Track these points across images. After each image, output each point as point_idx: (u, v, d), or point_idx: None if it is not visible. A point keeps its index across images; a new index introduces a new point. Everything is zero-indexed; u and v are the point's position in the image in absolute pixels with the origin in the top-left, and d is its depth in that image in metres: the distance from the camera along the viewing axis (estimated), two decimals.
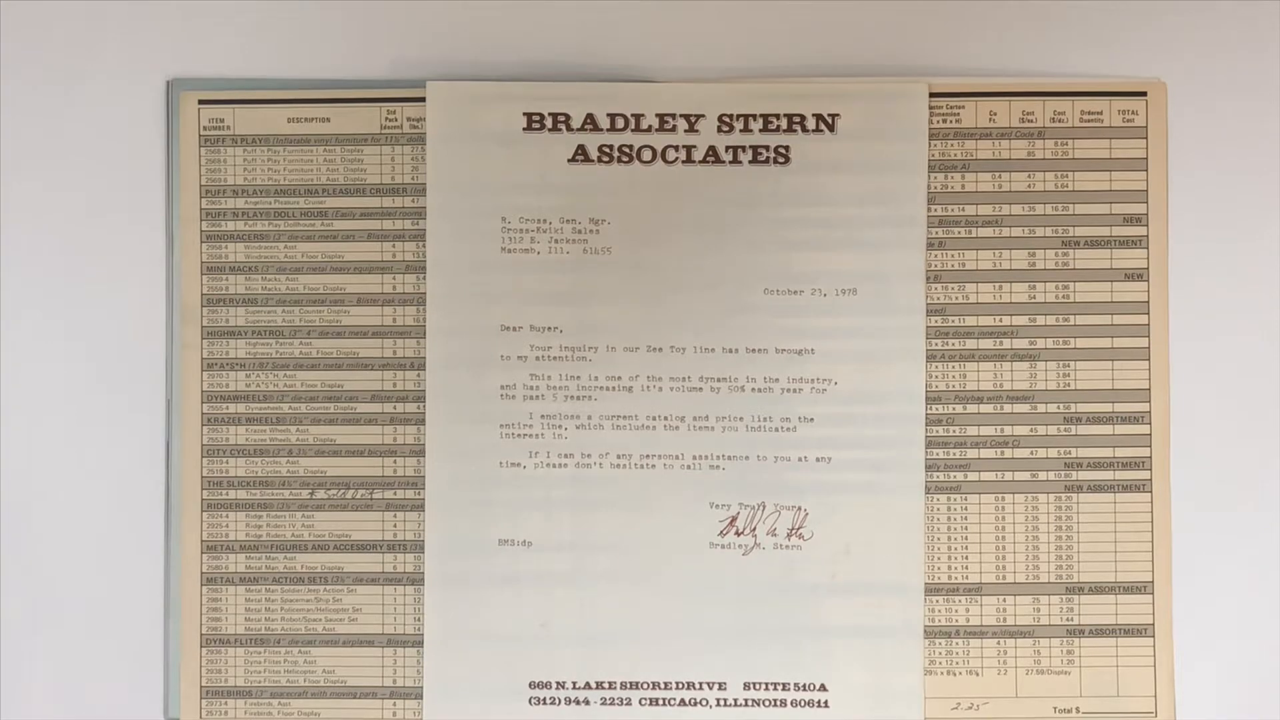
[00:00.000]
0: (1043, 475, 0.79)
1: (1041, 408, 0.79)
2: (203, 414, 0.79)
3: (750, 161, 0.79)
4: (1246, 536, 0.79)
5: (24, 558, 0.80)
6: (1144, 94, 0.79)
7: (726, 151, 0.79)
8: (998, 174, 0.79)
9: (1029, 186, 0.79)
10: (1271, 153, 0.79)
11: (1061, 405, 0.79)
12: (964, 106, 0.79)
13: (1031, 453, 0.79)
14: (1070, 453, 0.79)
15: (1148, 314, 0.79)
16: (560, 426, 0.79)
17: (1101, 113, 0.79)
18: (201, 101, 0.79)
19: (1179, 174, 0.79)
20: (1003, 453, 0.79)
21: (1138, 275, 0.79)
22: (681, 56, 0.80)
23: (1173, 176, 0.79)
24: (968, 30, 0.80)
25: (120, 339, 0.80)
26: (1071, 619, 0.78)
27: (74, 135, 0.80)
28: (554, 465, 0.79)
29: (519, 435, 0.79)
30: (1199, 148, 0.79)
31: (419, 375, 0.79)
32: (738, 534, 0.79)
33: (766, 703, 0.78)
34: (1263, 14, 0.80)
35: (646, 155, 0.79)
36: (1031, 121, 0.79)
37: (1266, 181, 0.79)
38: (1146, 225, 0.79)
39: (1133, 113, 0.79)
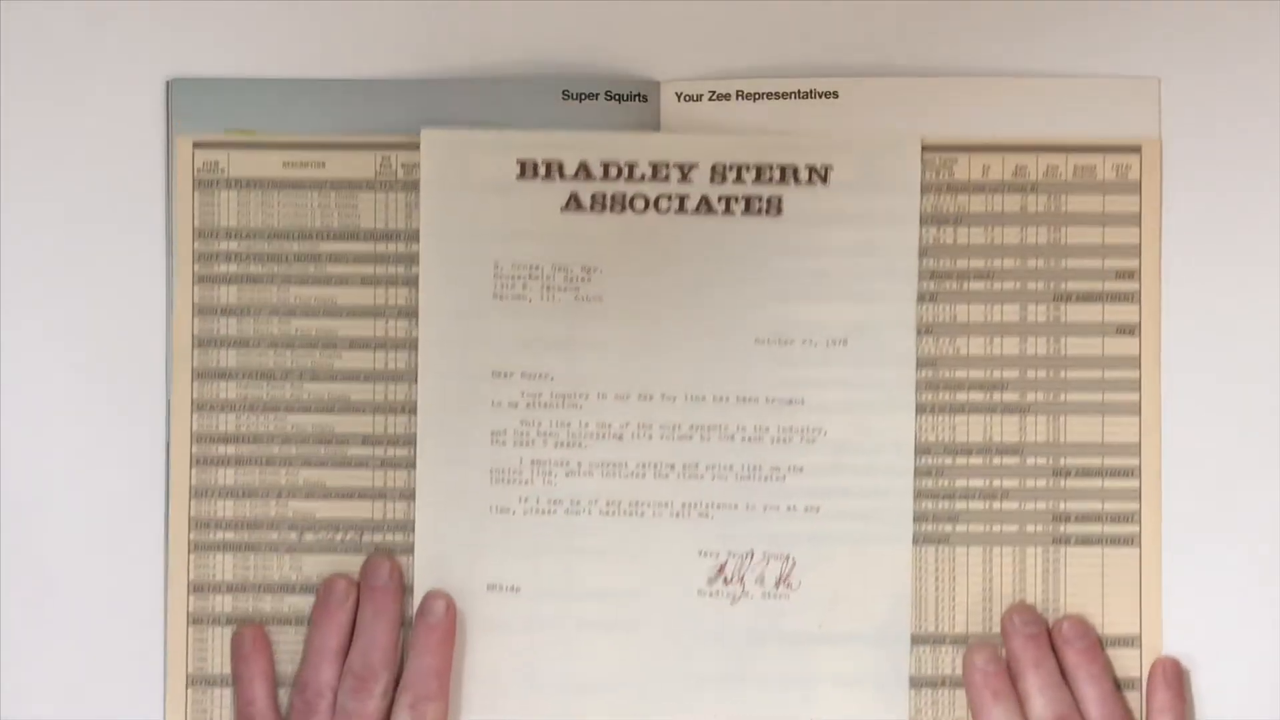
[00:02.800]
0: (1031, 528, 0.79)
1: (1031, 461, 0.79)
2: (192, 455, 0.80)
3: (743, 212, 0.79)
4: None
5: (24, 559, 0.79)
6: (1138, 149, 0.79)
7: (719, 201, 0.79)
8: (990, 227, 0.79)
9: (1021, 240, 0.79)
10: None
11: (1051, 458, 0.79)
12: (957, 160, 0.79)
13: (1020, 505, 0.79)
14: (1059, 506, 0.79)
15: (1139, 369, 0.79)
16: (550, 473, 0.79)
17: (1095, 168, 0.79)
18: (197, 144, 0.80)
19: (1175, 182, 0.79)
20: (991, 505, 0.79)
21: (1129, 330, 0.79)
22: (685, 53, 0.80)
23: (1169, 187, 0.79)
24: (968, 28, 0.80)
25: (120, 339, 0.80)
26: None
27: (73, 135, 0.80)
28: (543, 511, 0.79)
29: (509, 481, 0.79)
30: (1196, 154, 0.79)
31: (410, 419, 0.80)
32: (726, 582, 0.79)
33: None
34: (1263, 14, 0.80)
35: (639, 204, 0.79)
36: (1025, 176, 0.79)
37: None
38: (1139, 280, 0.79)
39: (1126, 167, 0.79)
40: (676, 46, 0.81)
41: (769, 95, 0.80)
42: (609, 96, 0.80)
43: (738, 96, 0.80)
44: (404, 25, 0.81)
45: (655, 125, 0.80)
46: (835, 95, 0.80)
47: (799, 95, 0.80)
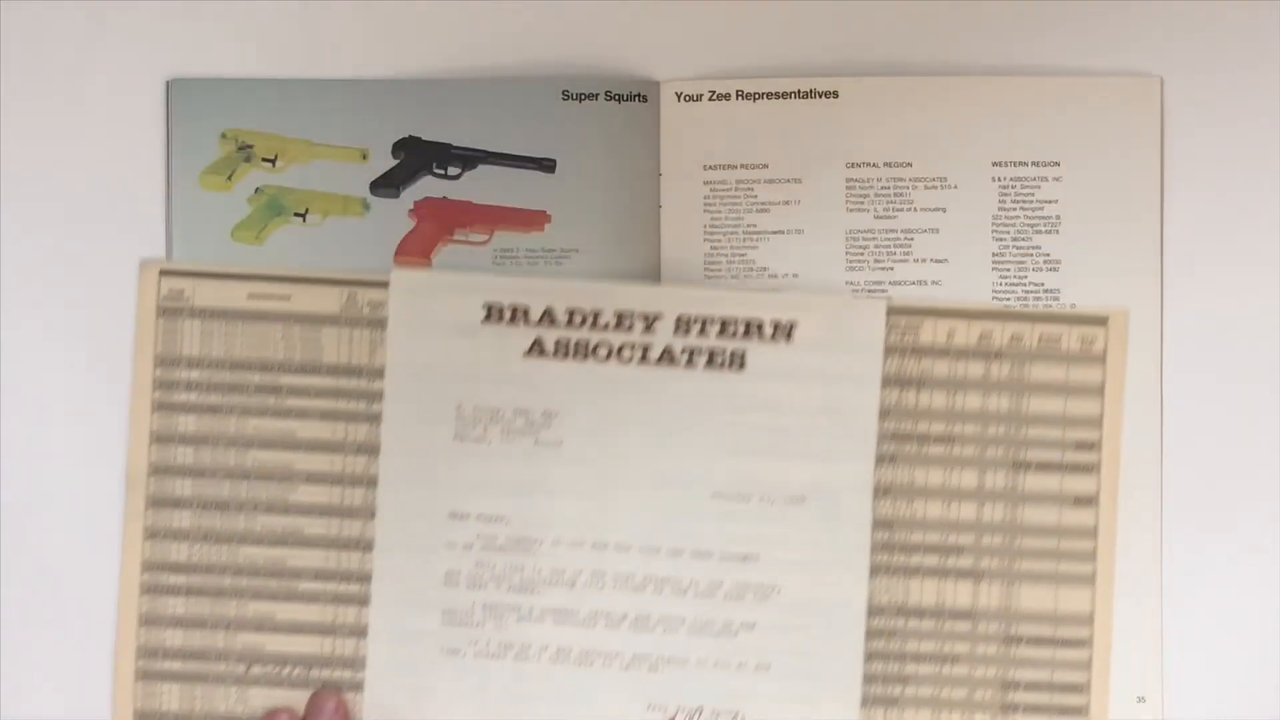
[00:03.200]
0: (979, 694, 0.79)
1: (982, 627, 0.79)
2: (141, 583, 0.79)
3: (706, 365, 0.79)
4: None
5: (24, 559, 0.79)
6: (1104, 321, 0.79)
7: (682, 353, 0.79)
8: (952, 392, 0.79)
9: (983, 407, 0.79)
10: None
11: (1002, 625, 0.79)
12: (922, 324, 0.79)
13: (969, 671, 0.79)
14: (1008, 674, 0.79)
15: (1095, 540, 0.79)
16: (502, 617, 0.79)
17: (1060, 338, 0.79)
18: (163, 272, 0.79)
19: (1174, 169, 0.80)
20: (941, 669, 0.79)
21: (1087, 501, 0.79)
22: (685, 53, 0.80)
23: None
24: (969, 28, 0.80)
25: (120, 338, 0.80)
26: None
27: (74, 135, 0.80)
28: (493, 655, 0.79)
29: (460, 624, 0.79)
30: (1196, 152, 0.80)
31: (364, 556, 0.79)
32: None
33: None
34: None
35: (602, 352, 0.79)
36: (989, 342, 0.79)
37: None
38: (1099, 452, 0.79)
39: (1092, 339, 0.79)
40: (676, 47, 0.81)
41: (769, 95, 0.81)
42: (609, 96, 0.81)
43: (738, 96, 0.81)
44: (404, 26, 0.81)
45: (655, 125, 0.81)
46: (835, 95, 0.80)
47: (799, 95, 0.81)
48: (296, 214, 0.81)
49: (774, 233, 0.81)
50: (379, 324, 0.79)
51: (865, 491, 0.78)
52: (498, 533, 0.79)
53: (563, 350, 0.79)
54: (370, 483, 0.79)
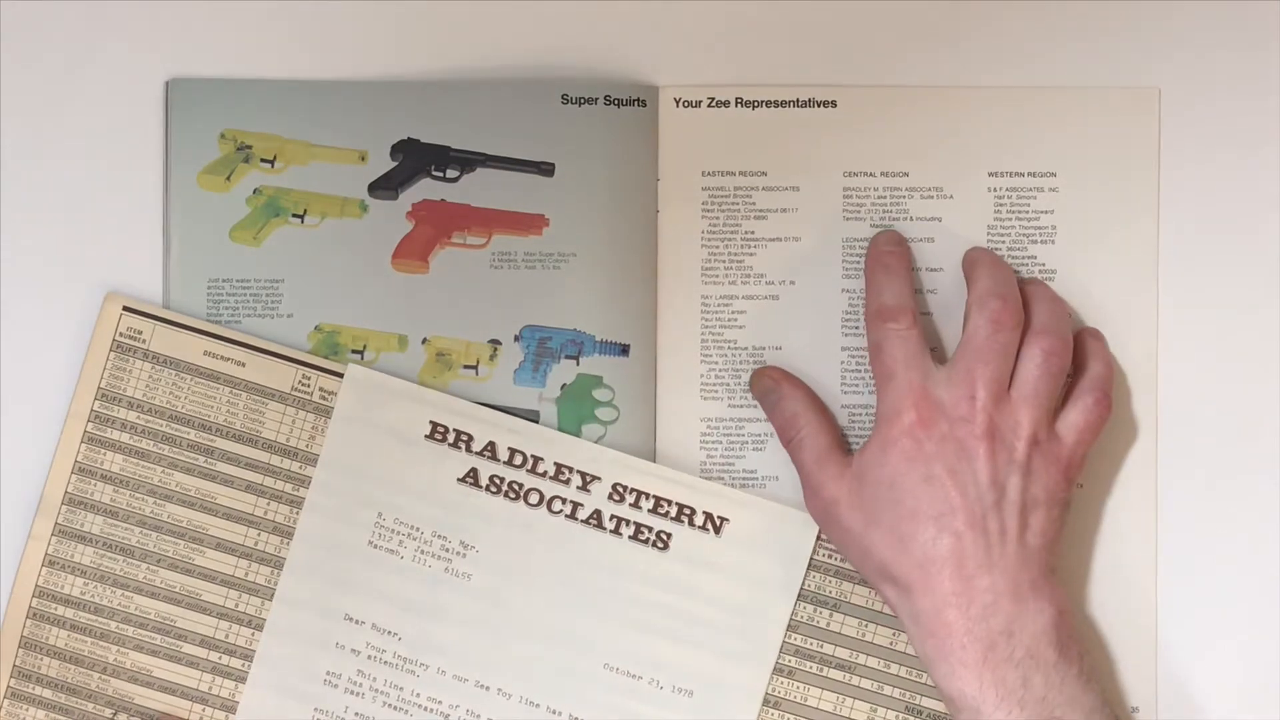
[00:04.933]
0: None
1: None
2: (30, 607, 0.79)
3: (630, 537, 0.79)
4: None
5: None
6: None
7: (610, 520, 0.79)
8: (864, 622, 0.79)
9: (891, 644, 0.79)
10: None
11: None
12: None
13: None
14: None
15: None
16: None
17: None
18: (126, 309, 0.79)
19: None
20: None
21: None
22: (685, 59, 0.80)
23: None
24: (968, 38, 0.80)
25: None
26: None
27: (73, 134, 0.80)
28: None
29: None
30: (1194, 162, 0.80)
31: (253, 634, 0.79)
32: None
33: None
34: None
35: (534, 498, 0.79)
36: None
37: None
38: None
39: None
40: (676, 52, 0.81)
41: (768, 103, 0.81)
42: (608, 101, 0.80)
43: (737, 103, 0.81)
44: (404, 28, 0.81)
45: (654, 130, 0.80)
46: (834, 104, 0.80)
47: (798, 103, 0.81)
48: (295, 215, 0.80)
49: (771, 239, 0.81)
50: (325, 412, 0.79)
51: (755, 699, 0.78)
52: (387, 647, 0.79)
53: (495, 486, 0.79)
54: (277, 564, 0.79)
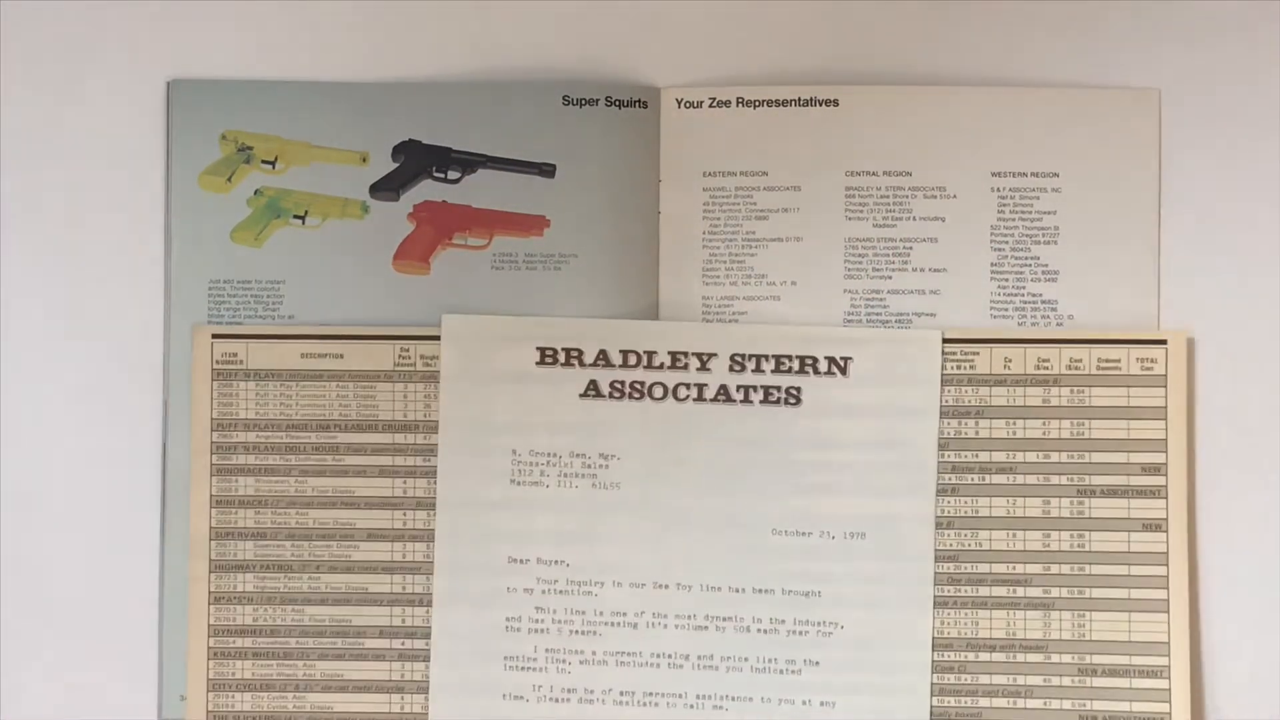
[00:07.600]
0: None
1: (1055, 658, 0.78)
2: (209, 648, 0.79)
3: (761, 401, 0.78)
4: None
5: (24, 559, 0.80)
6: (1164, 342, 0.78)
7: (738, 391, 0.78)
8: (1012, 421, 0.78)
9: (1044, 434, 0.78)
10: None
11: (1076, 656, 0.77)
12: (978, 353, 0.78)
13: (1045, 704, 0.78)
14: (1086, 705, 0.77)
15: (1167, 565, 0.77)
16: (564, 661, 0.78)
17: (1119, 361, 0.78)
18: (215, 336, 0.80)
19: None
20: (1015, 703, 0.78)
21: (1156, 526, 0.78)
22: (686, 60, 0.80)
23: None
24: (969, 37, 0.80)
25: (120, 332, 0.80)
26: None
27: (74, 135, 0.81)
28: (557, 700, 0.78)
29: (523, 668, 0.78)
30: (1195, 165, 0.79)
31: (428, 611, 0.79)
32: None
33: None
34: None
35: (658, 392, 0.79)
36: (1047, 369, 0.78)
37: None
38: (1166, 475, 0.78)
39: (1151, 361, 0.78)
40: (677, 53, 0.81)
41: (769, 103, 0.80)
42: (609, 102, 0.80)
43: (738, 103, 0.80)
44: (406, 29, 0.81)
45: (655, 131, 0.80)
46: (835, 103, 0.80)
47: (799, 103, 0.80)
48: (296, 216, 0.81)
49: (773, 240, 0.80)
50: (432, 377, 0.79)
51: (927, 525, 0.77)
52: (557, 576, 0.78)
53: (618, 391, 0.79)
54: (429, 538, 0.79)
